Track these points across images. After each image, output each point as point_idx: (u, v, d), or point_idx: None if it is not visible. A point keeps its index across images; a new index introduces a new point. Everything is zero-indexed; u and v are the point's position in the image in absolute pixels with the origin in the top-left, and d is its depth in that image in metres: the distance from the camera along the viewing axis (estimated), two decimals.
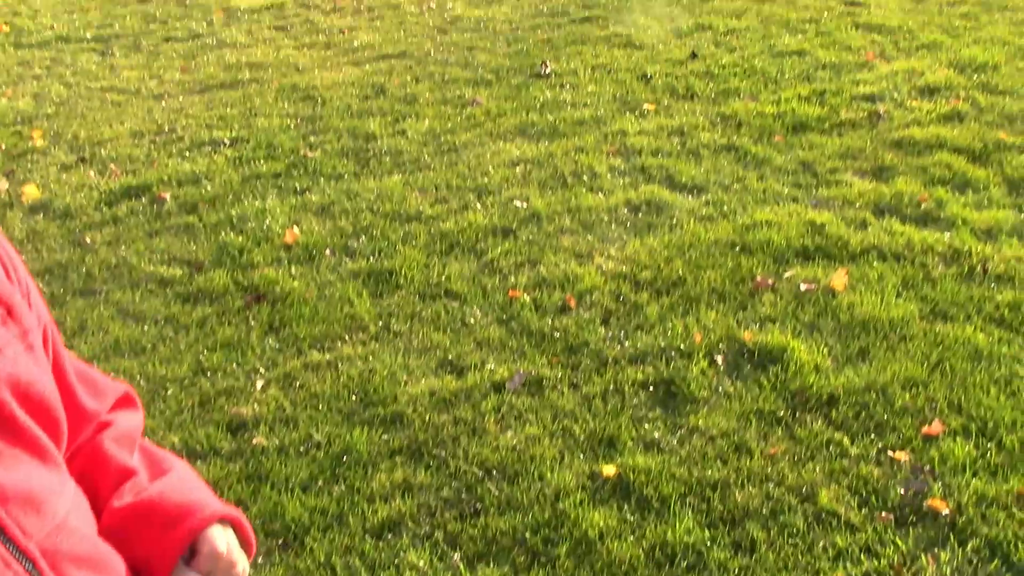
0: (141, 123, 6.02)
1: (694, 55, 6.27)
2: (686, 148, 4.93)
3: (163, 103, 6.38)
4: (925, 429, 2.86)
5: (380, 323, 3.66)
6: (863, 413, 2.96)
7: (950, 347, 3.21)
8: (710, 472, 2.78)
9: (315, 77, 6.58)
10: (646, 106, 5.51)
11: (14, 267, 1.00)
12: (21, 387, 0.92)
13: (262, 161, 5.24)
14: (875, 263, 3.73)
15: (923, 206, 4.13)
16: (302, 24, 8.12)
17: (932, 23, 6.45)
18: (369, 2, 8.64)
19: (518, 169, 4.85)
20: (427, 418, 3.10)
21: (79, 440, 1.10)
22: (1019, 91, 5.20)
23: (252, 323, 3.74)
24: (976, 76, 5.46)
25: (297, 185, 4.91)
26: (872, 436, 2.87)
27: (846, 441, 2.85)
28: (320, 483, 2.87)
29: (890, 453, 2.79)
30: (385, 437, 3.04)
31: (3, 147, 5.80)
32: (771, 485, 2.73)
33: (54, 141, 5.87)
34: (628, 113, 5.45)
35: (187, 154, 5.47)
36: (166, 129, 5.88)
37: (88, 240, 4.53)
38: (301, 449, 3.03)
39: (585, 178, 4.68)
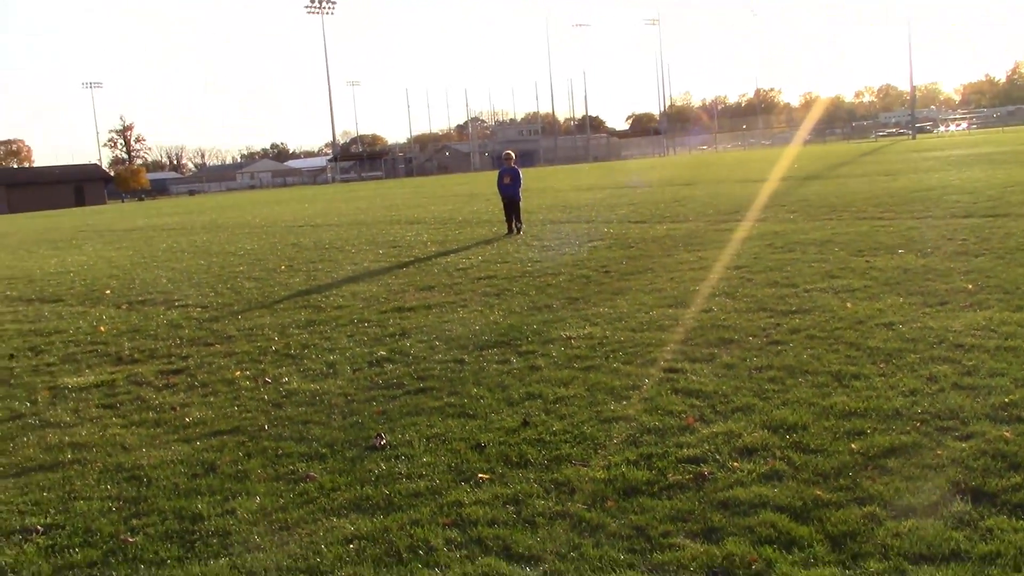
0: None
1: (526, 423, 6.47)
2: (521, 517, 4.93)
3: None
4: None
5: None
6: None
7: None
8: None
9: (142, 456, 6.41)
10: (481, 475, 5.56)
11: None
12: None
13: (77, 549, 4.93)
14: None
15: (754, 566, 4.20)
16: (132, 401, 8.00)
17: (744, 387, 6.91)
18: (204, 378, 8.66)
19: (352, 546, 4.72)
20: None
21: None
22: (828, 449, 5.53)
23: None
24: (788, 436, 5.80)
25: (114, 574, 4.61)
26: None
27: None
28: None
29: None
30: None
31: None
32: None
33: None
34: (463, 483, 5.47)
35: None
36: None
37: None
38: None
39: (421, 552, 4.59)
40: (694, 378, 7.26)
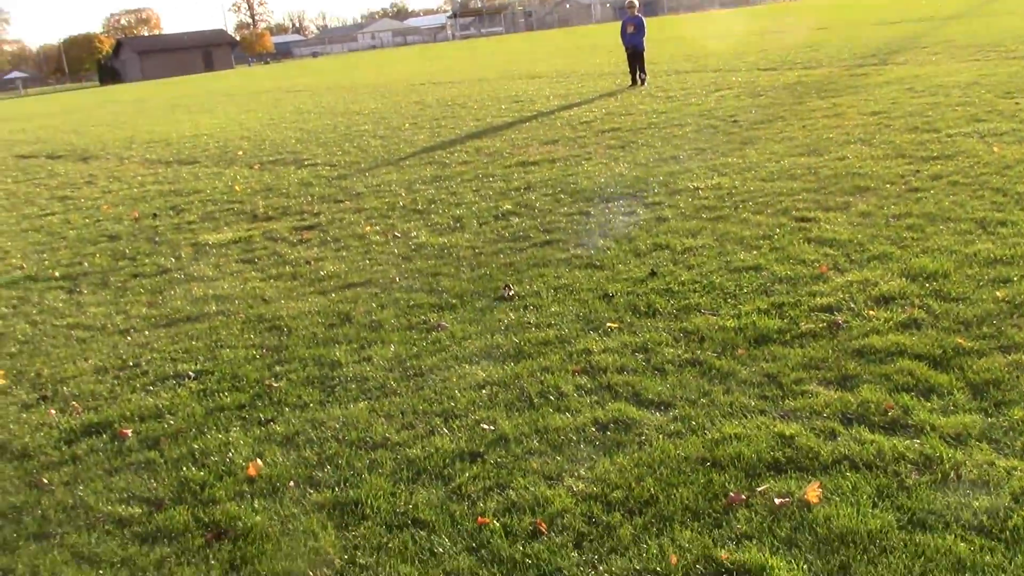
0: (105, 359, 6.00)
1: (653, 273, 6.43)
2: (651, 364, 4.95)
3: (128, 338, 6.39)
4: None
5: (346, 556, 3.53)
6: None
7: (932, 558, 3.12)
8: None
9: (281, 307, 6.65)
10: (609, 324, 5.59)
11: None
12: None
13: (226, 393, 5.20)
14: (848, 473, 3.69)
15: (890, 413, 4.13)
16: (269, 256, 8.28)
17: (880, 235, 6.68)
18: (335, 233, 8.87)
19: (484, 392, 4.84)
20: None
21: None
22: (971, 297, 5.33)
23: (212, 562, 3.59)
24: (928, 284, 5.61)
25: (262, 416, 4.85)
26: None
27: None
28: None
29: None
30: None
31: None
32: None
33: (16, 380, 5.81)
34: (592, 332, 5.51)
35: (151, 388, 5.43)
36: (130, 364, 5.87)
37: (45, 481, 4.41)
38: None
39: (552, 398, 4.67)
40: (828, 227, 7.05)
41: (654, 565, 3.25)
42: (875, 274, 5.90)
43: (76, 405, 5.30)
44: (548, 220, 8.35)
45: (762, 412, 4.29)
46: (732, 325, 5.34)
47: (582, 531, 3.52)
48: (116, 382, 5.61)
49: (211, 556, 3.63)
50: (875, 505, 3.47)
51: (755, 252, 6.65)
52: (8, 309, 7.48)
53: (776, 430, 4.08)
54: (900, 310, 5.28)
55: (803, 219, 7.36)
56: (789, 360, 4.81)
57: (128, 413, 5.09)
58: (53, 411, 5.25)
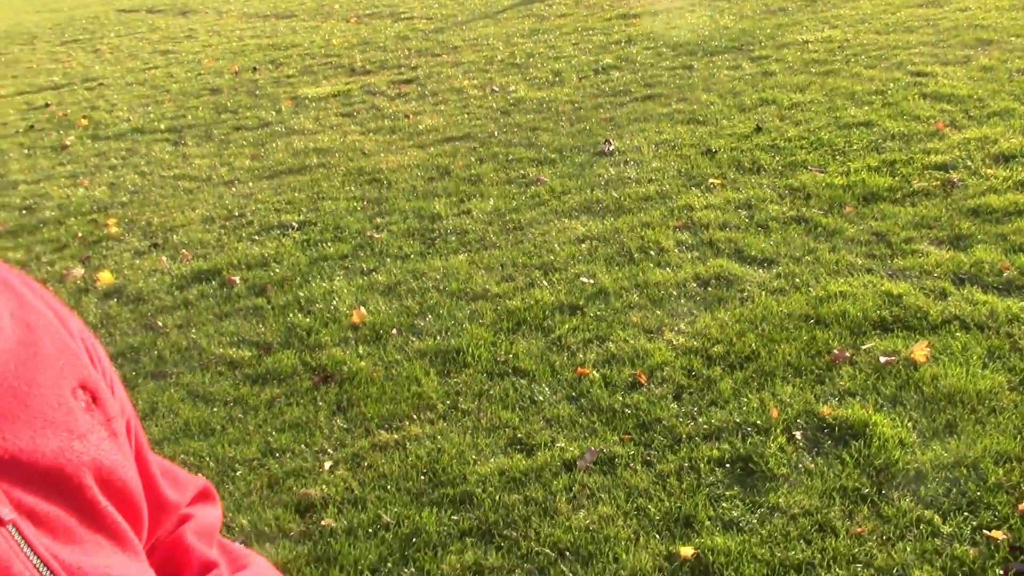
0: (212, 209, 6.15)
1: (759, 129, 6.24)
2: (754, 221, 4.86)
3: (233, 189, 6.51)
4: (1022, 506, 2.71)
5: (448, 402, 3.62)
6: (954, 490, 2.82)
7: None
8: (793, 553, 2.66)
9: (381, 160, 6.68)
10: (712, 180, 5.47)
11: (98, 356, 0.98)
12: (104, 473, 0.88)
13: (329, 243, 5.29)
14: (958, 334, 3.60)
15: (1005, 274, 3.99)
16: (368, 110, 8.28)
17: (1003, 91, 6.33)
18: (433, 87, 8.80)
19: (584, 246, 4.82)
20: (497, 498, 3.03)
21: (159, 532, 1.06)
22: None
23: (320, 404, 3.72)
24: None
25: (364, 266, 4.94)
26: (965, 514, 2.72)
27: (937, 519, 2.71)
28: (389, 565, 2.81)
29: (986, 532, 2.64)
30: (455, 518, 2.97)
31: (80, 235, 5.95)
32: (859, 567, 2.59)
33: (128, 228, 6.01)
34: (693, 188, 5.41)
35: (256, 238, 5.55)
36: (236, 214, 5.99)
37: (159, 324, 4.59)
38: (370, 531, 2.97)
39: (652, 253, 4.63)
40: (945, 82, 6.71)
41: (754, 418, 3.25)
42: (995, 131, 5.62)
43: (186, 253, 5.46)
44: (649, 74, 8.13)
45: (869, 271, 4.19)
46: (840, 182, 5.18)
47: (681, 384, 3.53)
48: (223, 231, 5.75)
49: (319, 398, 3.76)
50: (985, 366, 3.39)
51: (866, 108, 6.39)
52: (118, 160, 7.68)
53: (883, 289, 3.99)
54: (1021, 168, 5.04)
55: (919, 73, 7.01)
56: (899, 218, 4.66)
57: (235, 261, 5.23)
58: (164, 258, 5.42)
